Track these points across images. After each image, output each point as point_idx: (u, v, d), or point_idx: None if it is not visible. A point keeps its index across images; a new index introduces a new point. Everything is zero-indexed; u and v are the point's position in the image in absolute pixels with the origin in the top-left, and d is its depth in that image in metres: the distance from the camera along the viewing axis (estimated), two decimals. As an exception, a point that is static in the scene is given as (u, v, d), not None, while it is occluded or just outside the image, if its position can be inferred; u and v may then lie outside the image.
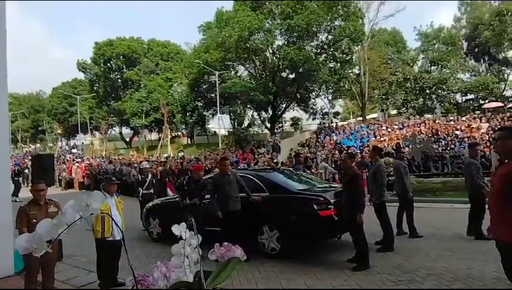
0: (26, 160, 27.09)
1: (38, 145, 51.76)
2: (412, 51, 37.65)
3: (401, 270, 4.80)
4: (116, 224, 1.36)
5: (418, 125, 21.11)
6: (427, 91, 31.34)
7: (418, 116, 28.89)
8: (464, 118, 21.19)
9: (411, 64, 35.13)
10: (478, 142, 13.40)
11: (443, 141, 16.97)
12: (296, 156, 10.85)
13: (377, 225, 6.14)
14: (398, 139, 18.04)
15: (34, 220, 3.81)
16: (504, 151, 3.03)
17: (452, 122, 20.41)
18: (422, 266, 4.92)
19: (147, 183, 9.00)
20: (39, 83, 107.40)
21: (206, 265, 1.69)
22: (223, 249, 1.82)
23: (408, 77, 31.14)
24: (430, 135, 18.00)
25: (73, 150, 36.61)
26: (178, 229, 1.85)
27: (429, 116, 29.09)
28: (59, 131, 46.10)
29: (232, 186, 5.93)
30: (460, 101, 33.67)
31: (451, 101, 32.49)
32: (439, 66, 33.72)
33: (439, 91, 31.22)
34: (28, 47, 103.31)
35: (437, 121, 21.54)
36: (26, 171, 21.86)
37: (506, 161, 2.98)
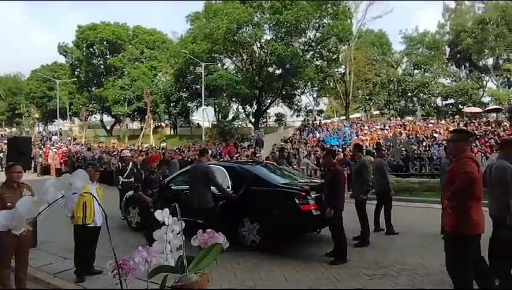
0: (1, 143, 26.13)
1: (14, 129, 49.91)
2: (396, 53, 38.41)
3: (376, 265, 4.94)
4: (100, 205, 1.35)
5: (399, 126, 21.60)
6: (409, 94, 32.10)
7: (399, 118, 29.56)
8: (443, 122, 21.83)
9: (395, 66, 35.88)
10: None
11: (422, 143, 17.44)
12: (280, 150, 10.90)
13: (355, 221, 6.27)
14: (379, 139, 18.40)
15: (9, 204, 3.71)
16: (454, 151, 3.43)
17: (431, 125, 21.00)
18: (397, 261, 5.08)
19: (127, 172, 8.85)
20: (17, 64, 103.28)
21: (189, 251, 1.69)
22: (206, 235, 1.83)
23: (392, 78, 31.78)
24: (410, 137, 18.46)
25: (54, 137, 35.31)
26: (161, 215, 1.84)
27: (410, 118, 29.80)
28: (36, 115, 44.50)
29: None
30: (440, 105, 34.64)
31: (432, 104, 33.41)
32: (422, 69, 34.55)
33: (420, 94, 32.04)
34: (5, 27, 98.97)
35: (417, 123, 22.10)
36: (1, 155, 21.12)
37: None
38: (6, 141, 20.76)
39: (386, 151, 15.16)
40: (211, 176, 5.81)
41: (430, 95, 32.43)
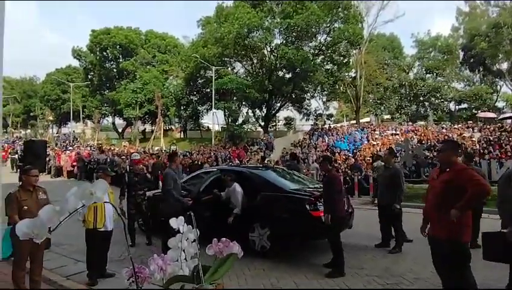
0: (16, 145, 26.70)
1: (28, 131, 50.93)
2: (408, 57, 38.03)
3: (389, 273, 4.86)
4: (119, 214, 1.36)
5: (410, 131, 21.32)
6: (421, 98, 31.71)
7: (410, 123, 29.22)
8: (456, 126, 21.47)
9: (407, 70, 35.49)
10: (470, 152, 13.57)
11: (434, 148, 17.15)
12: (292, 155, 10.85)
13: (373, 228, 6.22)
14: (390, 143, 18.20)
15: (26, 207, 3.77)
16: (443, 161, 3.52)
17: (444, 130, 20.66)
18: (410, 270, 4.99)
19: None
20: (33, 67, 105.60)
21: (203, 260, 1.69)
22: (221, 244, 1.82)
23: (403, 83, 31.45)
24: (422, 142, 18.20)
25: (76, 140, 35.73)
26: (176, 223, 1.84)
27: (422, 123, 29.44)
28: (50, 118, 45.39)
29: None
30: (453, 110, 34.13)
31: (445, 109, 32.93)
32: (435, 74, 34.12)
33: (432, 99, 31.61)
34: (22, 30, 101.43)
35: (429, 128, 21.78)
36: (16, 156, 21.57)
37: (447, 169, 3.39)
38: (22, 143, 21.21)
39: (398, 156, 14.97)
40: (164, 182, 5.97)
41: (442, 100, 31.98)
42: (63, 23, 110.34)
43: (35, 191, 3.98)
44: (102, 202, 1.19)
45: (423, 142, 18.20)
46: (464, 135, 18.56)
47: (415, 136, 19.52)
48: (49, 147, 24.17)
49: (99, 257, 4.64)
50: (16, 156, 21.63)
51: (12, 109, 48.95)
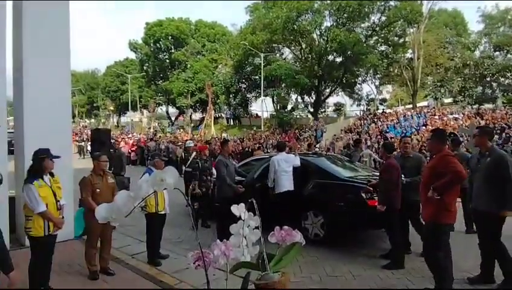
0: (82, 134, 29.14)
1: (92, 120, 55.31)
2: (473, 34, 34.61)
3: (455, 268, 4.52)
4: (187, 201, 1.37)
5: (475, 115, 19.52)
6: (488, 79, 28.79)
7: (476, 106, 26.74)
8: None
9: (472, 48, 32.32)
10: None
11: (503, 133, 15.55)
12: (356, 142, 10.56)
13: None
14: (454, 129, 16.83)
15: (98, 190, 4.10)
16: (430, 149, 4.06)
17: (519, 114, 18.60)
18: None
19: (189, 161, 9.28)
20: (94, 61, 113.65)
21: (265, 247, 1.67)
22: (283, 232, 1.79)
23: (467, 62, 28.71)
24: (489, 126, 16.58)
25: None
26: (237, 209, 1.84)
27: (488, 106, 26.81)
28: (111, 108, 48.80)
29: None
30: (526, 91, 30.61)
31: (517, 90, 29.65)
32: (504, 51, 30.70)
33: (501, 79, 28.57)
34: (85, 26, 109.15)
35: (497, 112, 19.75)
36: (82, 143, 23.57)
37: (434, 156, 3.82)
38: (87, 131, 22.97)
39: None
40: (217, 168, 5.99)
41: (513, 80, 28.79)
42: (120, 18, 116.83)
43: (105, 176, 4.30)
44: (172, 188, 1.21)
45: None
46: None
47: (481, 120, 17.85)
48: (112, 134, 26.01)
49: (158, 238, 4.90)
50: (83, 143, 23.61)
51: (78, 100, 53.31)
